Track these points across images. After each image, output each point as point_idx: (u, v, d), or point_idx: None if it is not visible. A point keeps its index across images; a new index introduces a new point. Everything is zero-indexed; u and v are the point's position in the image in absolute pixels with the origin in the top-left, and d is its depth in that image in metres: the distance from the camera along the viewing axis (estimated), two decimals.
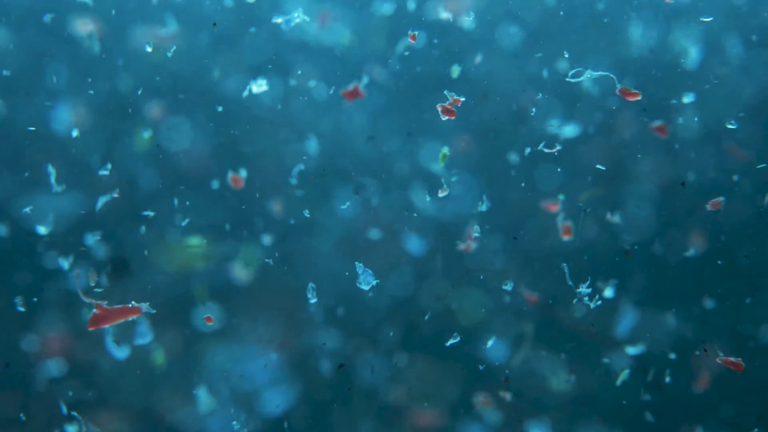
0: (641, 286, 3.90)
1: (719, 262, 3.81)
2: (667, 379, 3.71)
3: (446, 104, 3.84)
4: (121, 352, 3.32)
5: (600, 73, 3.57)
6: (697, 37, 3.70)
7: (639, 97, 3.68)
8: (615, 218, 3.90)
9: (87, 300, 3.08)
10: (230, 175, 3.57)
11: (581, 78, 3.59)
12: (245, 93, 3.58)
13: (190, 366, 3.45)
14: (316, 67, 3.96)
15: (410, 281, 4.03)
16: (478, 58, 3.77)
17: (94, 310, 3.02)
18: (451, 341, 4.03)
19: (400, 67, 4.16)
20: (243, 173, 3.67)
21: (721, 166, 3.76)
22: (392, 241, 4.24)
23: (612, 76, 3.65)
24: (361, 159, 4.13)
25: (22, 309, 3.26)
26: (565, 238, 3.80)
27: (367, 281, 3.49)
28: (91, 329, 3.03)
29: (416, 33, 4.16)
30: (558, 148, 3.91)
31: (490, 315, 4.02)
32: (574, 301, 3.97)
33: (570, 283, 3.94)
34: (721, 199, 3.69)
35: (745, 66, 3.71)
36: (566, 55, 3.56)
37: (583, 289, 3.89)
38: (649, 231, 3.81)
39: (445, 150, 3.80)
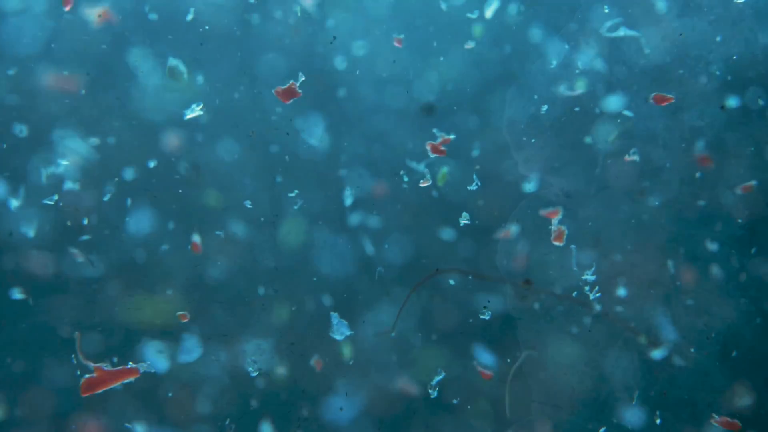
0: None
1: (740, 220, 3.76)
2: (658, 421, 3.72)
3: (436, 142, 3.77)
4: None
5: (634, 32, 3.50)
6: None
7: (672, 101, 3.63)
8: (634, 157, 3.85)
9: (87, 363, 2.98)
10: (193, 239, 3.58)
11: (616, 33, 3.50)
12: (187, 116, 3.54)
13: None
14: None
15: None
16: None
17: (92, 374, 2.91)
18: (436, 377, 4.03)
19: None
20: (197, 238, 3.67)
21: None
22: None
23: (642, 38, 3.53)
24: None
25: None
26: (557, 243, 3.74)
27: (341, 332, 3.47)
28: (84, 395, 2.93)
29: (402, 37, 4.03)
30: (579, 91, 3.84)
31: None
32: (574, 294, 3.89)
33: (575, 268, 3.87)
34: (753, 183, 3.60)
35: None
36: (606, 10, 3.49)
37: (588, 276, 3.83)
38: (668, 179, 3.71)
39: (445, 170, 3.69)
